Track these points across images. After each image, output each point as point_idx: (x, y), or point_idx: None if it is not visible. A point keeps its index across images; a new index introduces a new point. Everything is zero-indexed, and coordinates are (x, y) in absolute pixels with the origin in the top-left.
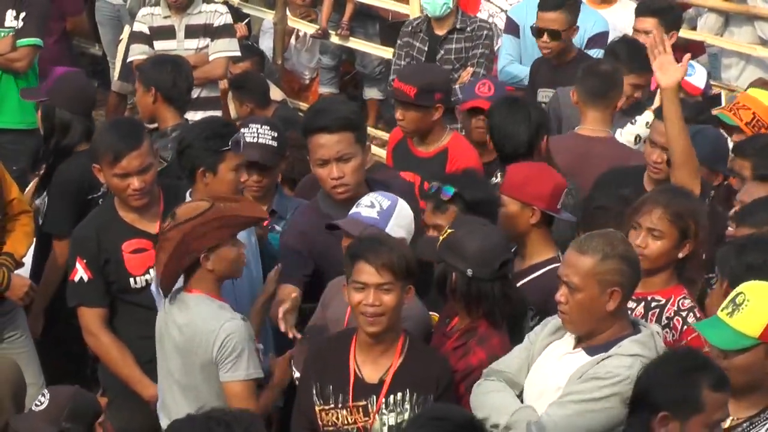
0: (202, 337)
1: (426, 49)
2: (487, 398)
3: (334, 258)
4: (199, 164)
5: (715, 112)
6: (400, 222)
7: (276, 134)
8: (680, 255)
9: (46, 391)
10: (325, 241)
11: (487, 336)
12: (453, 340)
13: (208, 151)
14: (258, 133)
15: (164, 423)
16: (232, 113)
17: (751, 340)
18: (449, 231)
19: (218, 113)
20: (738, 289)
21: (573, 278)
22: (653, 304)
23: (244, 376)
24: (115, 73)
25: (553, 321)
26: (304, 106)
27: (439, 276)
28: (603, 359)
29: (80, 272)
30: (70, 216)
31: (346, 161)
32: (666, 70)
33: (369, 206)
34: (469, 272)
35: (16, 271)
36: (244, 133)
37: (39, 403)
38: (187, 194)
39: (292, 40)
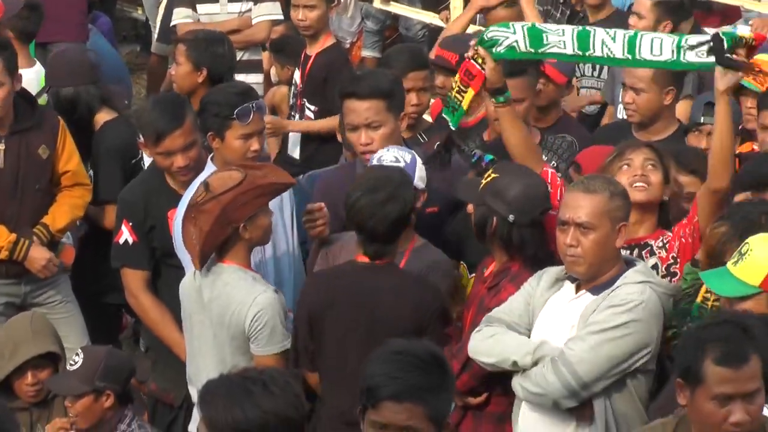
0: (235, 309)
1: None
2: (494, 341)
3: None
4: (208, 129)
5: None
6: (421, 174)
7: None
8: (665, 197)
9: (80, 350)
10: None
11: (519, 274)
12: (488, 283)
13: (217, 117)
14: None
15: (193, 393)
16: (273, 77)
17: (753, 289)
18: (493, 176)
19: (260, 76)
20: (746, 240)
21: (585, 218)
22: (646, 248)
23: (278, 349)
24: (155, 35)
25: (547, 274)
26: None
27: (480, 219)
28: (612, 290)
29: (125, 234)
30: (119, 181)
31: (375, 128)
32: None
33: (394, 161)
34: (511, 218)
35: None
36: None
37: (73, 363)
38: (209, 160)
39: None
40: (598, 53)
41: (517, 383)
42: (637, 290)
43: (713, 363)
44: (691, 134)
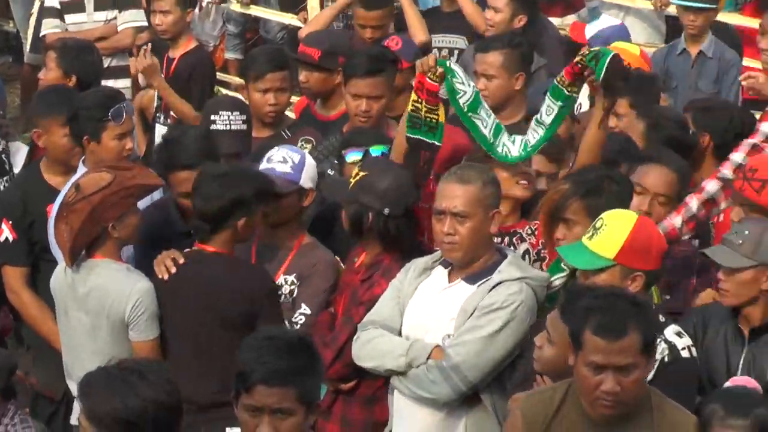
0: (115, 299)
1: None
2: (371, 346)
3: None
4: (84, 132)
5: None
6: (310, 173)
7: (245, 116)
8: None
9: None
10: None
11: (390, 268)
12: (360, 275)
13: (92, 120)
14: (230, 121)
15: (72, 386)
16: (141, 81)
17: (607, 261)
18: (362, 173)
19: (128, 81)
20: (600, 216)
21: (461, 207)
22: (515, 236)
23: (155, 335)
24: (27, 46)
25: (415, 265)
26: None
27: (354, 216)
28: (492, 288)
29: (6, 233)
30: None
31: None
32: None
33: (282, 162)
34: (386, 211)
35: None
36: (215, 121)
37: None
38: (80, 162)
39: (196, 10)
40: (498, 150)
41: (401, 385)
42: (515, 290)
43: (591, 332)
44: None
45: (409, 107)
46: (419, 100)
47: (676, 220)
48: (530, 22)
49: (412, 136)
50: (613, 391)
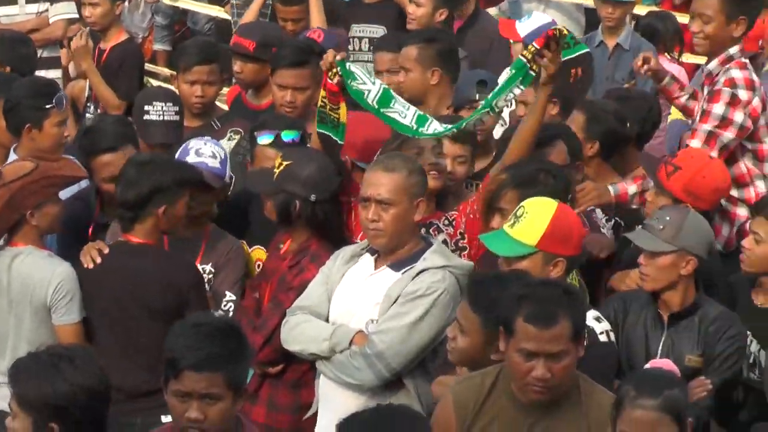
0: (37, 283)
1: None
2: (298, 330)
3: None
4: (25, 121)
5: None
6: (229, 167)
7: (178, 108)
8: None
9: None
10: None
11: (318, 254)
12: (287, 261)
13: (34, 108)
14: (163, 111)
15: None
16: (71, 72)
17: (529, 248)
18: (285, 163)
19: (59, 72)
20: (521, 204)
21: (386, 195)
22: (432, 227)
23: (78, 319)
24: None
25: (344, 251)
26: None
27: (282, 206)
28: (417, 275)
29: None
30: None
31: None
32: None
33: (212, 157)
34: (313, 197)
35: None
36: (148, 111)
37: None
38: (11, 150)
39: (126, 3)
40: (429, 131)
41: (326, 369)
42: (439, 278)
43: (523, 319)
44: (464, 111)
45: (319, 102)
46: (324, 96)
47: (631, 187)
48: (472, 17)
49: (320, 130)
50: (543, 378)
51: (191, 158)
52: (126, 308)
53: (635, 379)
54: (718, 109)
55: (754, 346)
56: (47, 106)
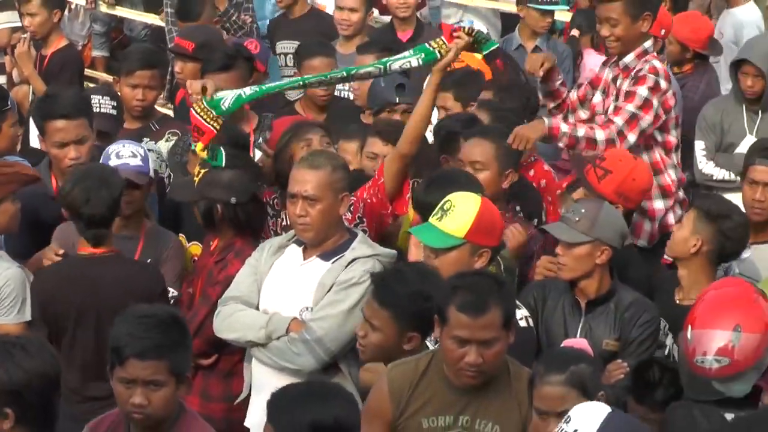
0: None
1: None
2: (233, 319)
3: None
4: None
5: None
6: (151, 163)
7: (115, 103)
8: None
9: None
10: None
11: (242, 249)
12: (214, 257)
13: None
14: (99, 104)
15: None
16: (15, 77)
17: (457, 240)
18: (203, 171)
19: (3, 77)
20: (446, 198)
21: (312, 191)
22: None
23: (23, 319)
24: None
25: (270, 243)
26: None
27: (206, 211)
28: (348, 264)
29: None
30: None
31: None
32: None
33: (132, 156)
34: (233, 200)
35: None
36: None
37: None
38: None
39: (66, 12)
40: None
41: (263, 355)
42: (369, 266)
43: (456, 308)
44: (384, 113)
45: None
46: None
47: (563, 125)
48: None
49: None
50: (476, 363)
51: (113, 161)
52: (91, 316)
53: (545, 357)
54: (643, 91)
55: (669, 340)
56: (5, 108)
